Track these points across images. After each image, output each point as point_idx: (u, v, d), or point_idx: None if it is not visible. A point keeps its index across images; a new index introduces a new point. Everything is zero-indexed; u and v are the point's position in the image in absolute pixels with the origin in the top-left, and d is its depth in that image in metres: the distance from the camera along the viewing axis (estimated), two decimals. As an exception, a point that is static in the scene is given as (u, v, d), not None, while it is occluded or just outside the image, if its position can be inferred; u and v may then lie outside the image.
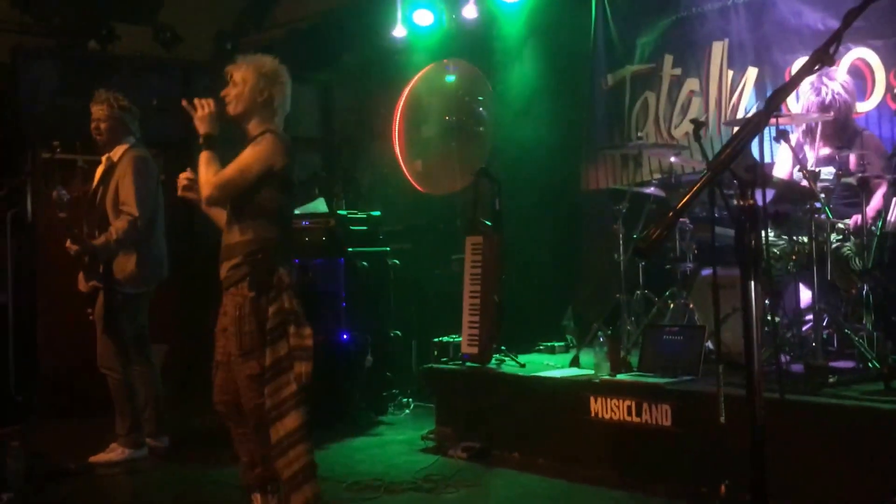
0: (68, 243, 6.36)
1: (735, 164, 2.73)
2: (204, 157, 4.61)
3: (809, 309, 5.66)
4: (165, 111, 5.89)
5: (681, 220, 6.47)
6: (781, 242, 6.00)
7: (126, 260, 6.38)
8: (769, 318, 5.55)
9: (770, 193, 5.90)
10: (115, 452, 6.46)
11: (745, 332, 2.81)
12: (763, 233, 5.95)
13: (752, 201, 2.78)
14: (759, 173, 3.02)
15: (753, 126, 2.81)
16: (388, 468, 6.17)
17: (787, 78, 6.39)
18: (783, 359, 5.40)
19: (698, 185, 2.71)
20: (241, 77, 4.70)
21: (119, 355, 6.43)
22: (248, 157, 4.59)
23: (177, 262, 7.10)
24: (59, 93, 8.81)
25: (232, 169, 4.57)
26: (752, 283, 2.78)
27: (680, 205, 2.72)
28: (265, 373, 4.50)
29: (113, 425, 6.55)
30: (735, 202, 2.77)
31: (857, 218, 5.73)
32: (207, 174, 4.58)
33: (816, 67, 2.80)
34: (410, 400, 8.14)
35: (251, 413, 4.57)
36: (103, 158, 6.64)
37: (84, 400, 7.84)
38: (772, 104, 2.92)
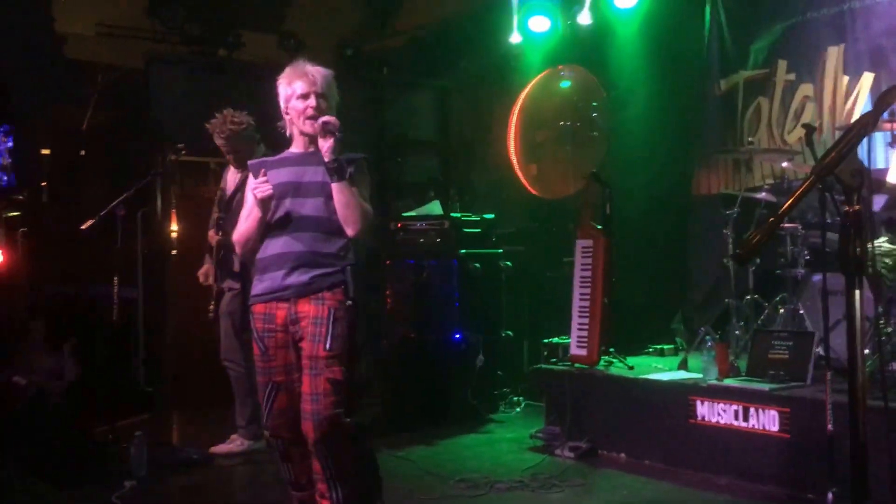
0: (211, 233, 6.62)
1: (840, 168, 2.69)
2: (349, 188, 4.30)
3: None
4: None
5: (792, 225, 6.46)
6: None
7: None
8: (880, 325, 5.52)
9: (883, 199, 5.84)
10: (234, 443, 6.70)
11: (849, 341, 2.78)
12: (872, 239, 5.92)
13: (857, 207, 2.70)
14: (867, 178, 2.95)
15: (860, 128, 2.74)
16: (496, 466, 6.25)
17: (904, 84, 6.27)
18: (893, 366, 5.38)
19: (800, 189, 2.70)
20: (330, 90, 4.40)
21: (242, 350, 6.58)
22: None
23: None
24: (189, 98, 9.14)
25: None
26: (857, 292, 2.73)
27: (782, 210, 2.72)
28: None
29: (234, 417, 6.76)
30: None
31: None
32: (359, 208, 4.32)
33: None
34: (521, 398, 8.19)
35: (321, 423, 4.19)
36: None
37: (208, 392, 8.00)
38: (880, 105, 2.87)
